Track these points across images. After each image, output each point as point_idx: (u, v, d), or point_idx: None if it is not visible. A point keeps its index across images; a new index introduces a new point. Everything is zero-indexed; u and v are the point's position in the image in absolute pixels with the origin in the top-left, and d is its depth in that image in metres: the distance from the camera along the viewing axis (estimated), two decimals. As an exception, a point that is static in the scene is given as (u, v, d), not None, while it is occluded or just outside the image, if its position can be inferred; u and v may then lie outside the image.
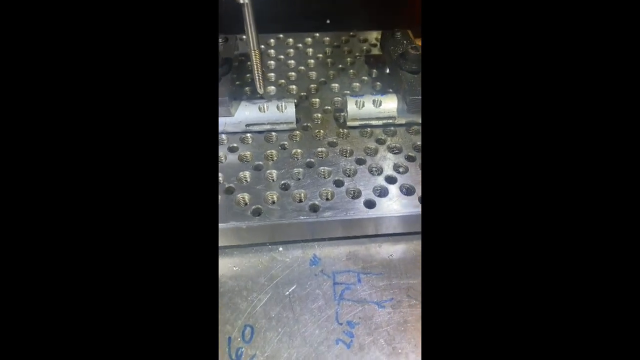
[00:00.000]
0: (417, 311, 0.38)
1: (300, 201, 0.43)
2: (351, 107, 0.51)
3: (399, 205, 0.43)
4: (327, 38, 0.69)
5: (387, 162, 0.48)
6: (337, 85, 0.60)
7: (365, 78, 0.62)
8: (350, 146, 0.50)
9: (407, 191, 0.44)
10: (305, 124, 0.53)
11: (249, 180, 0.46)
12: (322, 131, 0.52)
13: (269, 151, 0.49)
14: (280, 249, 0.44)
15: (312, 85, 0.60)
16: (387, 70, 0.62)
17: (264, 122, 0.51)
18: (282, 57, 0.65)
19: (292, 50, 0.67)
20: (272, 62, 0.64)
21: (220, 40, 0.55)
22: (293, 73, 0.62)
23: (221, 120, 0.50)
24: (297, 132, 0.52)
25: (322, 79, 0.61)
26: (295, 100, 0.52)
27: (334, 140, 0.51)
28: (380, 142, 0.51)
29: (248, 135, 0.51)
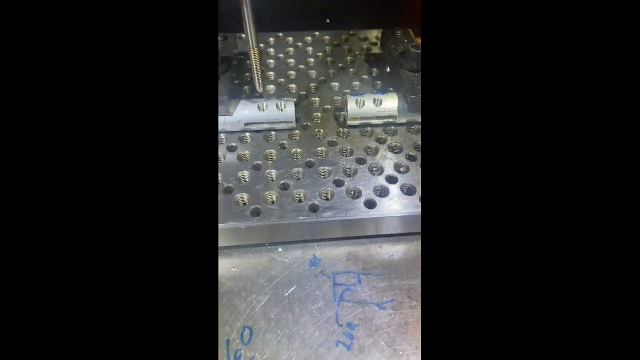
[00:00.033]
0: (419, 313, 0.38)
1: (300, 201, 0.43)
2: (351, 106, 0.50)
3: (399, 205, 0.42)
4: (327, 37, 0.69)
5: (388, 161, 0.48)
6: (337, 84, 0.60)
7: (366, 77, 0.61)
8: (351, 146, 0.49)
9: (408, 191, 0.44)
10: (305, 123, 0.53)
11: (248, 180, 0.45)
12: (322, 130, 0.52)
13: (268, 151, 0.49)
14: (280, 249, 0.43)
15: (312, 84, 0.59)
16: (388, 69, 0.61)
17: (264, 121, 0.50)
18: (281, 55, 0.65)
19: (291, 49, 0.66)
20: (272, 61, 0.64)
21: (219, 39, 0.55)
22: (293, 72, 0.62)
23: (220, 119, 0.50)
24: (297, 131, 0.52)
25: (322, 78, 0.61)
26: (295, 100, 0.52)
27: (334, 139, 0.51)
28: (381, 141, 0.50)
29: (247, 134, 0.51)
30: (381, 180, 0.45)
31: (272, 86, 0.59)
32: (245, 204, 0.43)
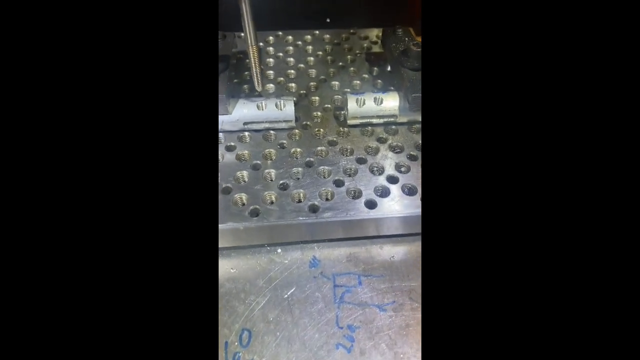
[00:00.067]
0: (420, 314, 0.38)
1: (300, 201, 0.43)
2: (352, 105, 0.50)
3: (400, 205, 0.42)
4: (327, 35, 0.69)
5: (389, 161, 0.47)
6: (337, 83, 0.59)
7: (366, 76, 0.61)
8: (351, 145, 0.49)
9: (409, 191, 0.44)
10: (304, 123, 0.52)
11: (246, 180, 0.45)
12: (322, 130, 0.51)
13: (267, 150, 0.48)
14: (279, 250, 0.43)
15: (312, 83, 0.59)
16: (389, 68, 0.61)
17: (262, 120, 0.50)
18: (281, 54, 0.64)
19: (291, 47, 0.66)
20: (271, 59, 0.63)
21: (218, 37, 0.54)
22: (292, 71, 0.61)
23: (218, 118, 0.49)
24: (297, 130, 0.51)
25: (322, 77, 0.61)
26: (295, 98, 0.51)
27: (334, 139, 0.50)
28: (382, 140, 0.50)
29: (246, 133, 0.50)
30: (382, 180, 0.45)
31: (272, 85, 0.59)
32: (243, 204, 0.42)
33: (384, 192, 0.44)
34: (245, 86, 0.58)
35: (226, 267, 0.41)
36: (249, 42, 0.43)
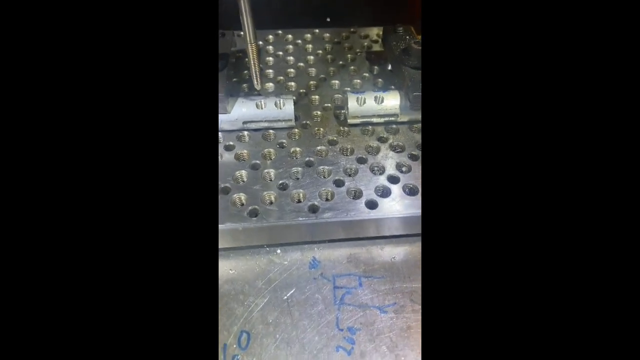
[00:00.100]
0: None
1: (299, 202, 0.42)
2: (352, 104, 0.49)
3: (401, 205, 0.42)
4: (327, 34, 0.68)
5: (390, 161, 0.47)
6: (337, 82, 0.59)
7: (367, 75, 0.60)
8: (351, 144, 0.49)
9: (410, 191, 0.43)
10: (304, 122, 0.52)
11: (245, 180, 0.44)
12: (322, 129, 0.51)
13: (266, 150, 0.48)
14: (278, 251, 0.43)
15: (312, 82, 0.59)
16: (389, 67, 0.60)
17: (262, 119, 0.49)
18: (280, 53, 0.64)
19: (291, 46, 0.65)
20: (271, 58, 0.63)
21: (216, 35, 0.54)
22: (292, 70, 0.61)
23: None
24: (296, 130, 0.51)
25: (322, 76, 0.60)
26: (294, 97, 0.51)
27: (334, 138, 0.50)
28: (382, 140, 0.50)
29: (245, 133, 0.50)
30: (382, 180, 0.44)
31: (271, 84, 0.58)
32: (242, 205, 0.42)
33: (385, 192, 0.43)
34: (245, 85, 0.57)
35: (225, 268, 0.41)
36: (248, 39, 0.43)
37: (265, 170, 0.45)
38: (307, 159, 0.47)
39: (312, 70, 0.61)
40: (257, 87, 0.48)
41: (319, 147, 0.48)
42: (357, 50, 0.65)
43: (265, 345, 0.35)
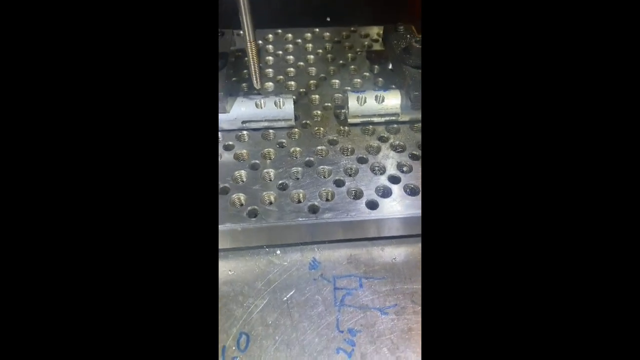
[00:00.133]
0: (423, 318, 0.37)
1: (299, 202, 0.42)
2: (352, 103, 0.49)
3: (402, 206, 0.41)
4: (327, 33, 0.68)
5: (390, 160, 0.46)
6: (337, 81, 0.58)
7: (367, 74, 0.60)
8: (352, 144, 0.48)
9: (411, 191, 0.43)
10: (304, 121, 0.52)
11: (245, 180, 0.44)
12: (322, 128, 0.50)
13: (266, 149, 0.47)
14: (278, 252, 0.42)
15: (312, 81, 0.58)
16: (390, 66, 0.60)
17: (261, 118, 0.49)
18: (280, 52, 0.64)
19: (291, 45, 0.65)
20: (271, 57, 0.63)
21: (215, 34, 0.53)
22: (292, 69, 0.60)
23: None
24: (296, 129, 0.50)
25: (322, 75, 0.60)
26: (294, 97, 0.50)
27: (335, 138, 0.49)
28: (383, 139, 0.49)
29: (244, 132, 0.50)
30: (383, 180, 0.44)
31: (271, 83, 0.58)
32: (242, 205, 0.42)
33: (386, 193, 0.43)
34: (244, 84, 0.57)
35: (224, 269, 0.41)
36: (248, 38, 0.42)
37: (265, 170, 0.45)
38: (307, 158, 0.46)
39: (312, 70, 0.60)
40: (257, 86, 0.47)
41: (319, 147, 0.48)
42: (358, 49, 0.65)
43: (264, 347, 0.35)
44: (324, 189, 0.43)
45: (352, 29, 0.69)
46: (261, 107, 0.49)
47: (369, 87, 0.58)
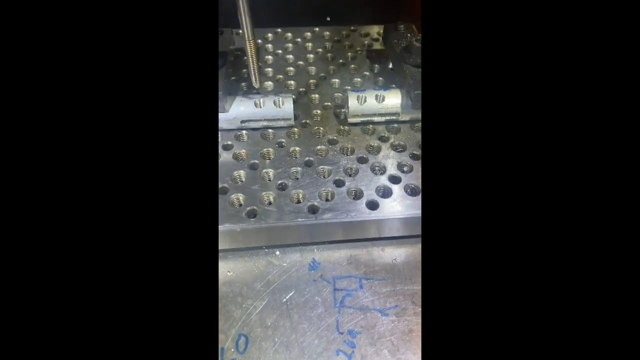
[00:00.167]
0: (423, 320, 0.37)
1: (299, 202, 0.42)
2: (352, 102, 0.49)
3: (403, 206, 0.41)
4: (327, 32, 0.67)
5: (391, 160, 0.46)
6: (337, 80, 0.58)
7: (367, 73, 0.60)
8: (352, 144, 0.48)
9: (412, 191, 0.43)
10: (304, 121, 0.51)
11: (244, 179, 0.44)
12: (321, 128, 0.50)
13: (265, 149, 0.47)
14: (277, 252, 0.42)
15: (312, 81, 0.58)
16: (390, 65, 0.60)
17: (260, 118, 0.49)
18: (280, 51, 0.63)
19: (290, 44, 0.65)
20: (270, 56, 0.62)
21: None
22: (291, 68, 0.60)
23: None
24: (296, 129, 0.50)
25: (322, 74, 0.60)
26: (294, 96, 0.50)
27: (334, 137, 0.49)
28: (383, 139, 0.49)
29: (243, 132, 0.49)
30: (383, 180, 0.44)
31: (270, 82, 0.58)
32: (241, 205, 0.41)
33: (386, 193, 0.43)
34: (243, 83, 0.57)
35: (222, 270, 0.40)
36: (247, 36, 0.42)
37: (264, 170, 0.44)
38: (306, 158, 0.46)
39: (312, 69, 0.60)
40: (256, 85, 0.47)
41: (318, 147, 0.47)
42: (358, 48, 0.64)
43: (263, 349, 0.34)
44: (323, 189, 0.43)
45: (352, 28, 0.68)
46: (260, 107, 0.48)
47: (369, 87, 0.57)
